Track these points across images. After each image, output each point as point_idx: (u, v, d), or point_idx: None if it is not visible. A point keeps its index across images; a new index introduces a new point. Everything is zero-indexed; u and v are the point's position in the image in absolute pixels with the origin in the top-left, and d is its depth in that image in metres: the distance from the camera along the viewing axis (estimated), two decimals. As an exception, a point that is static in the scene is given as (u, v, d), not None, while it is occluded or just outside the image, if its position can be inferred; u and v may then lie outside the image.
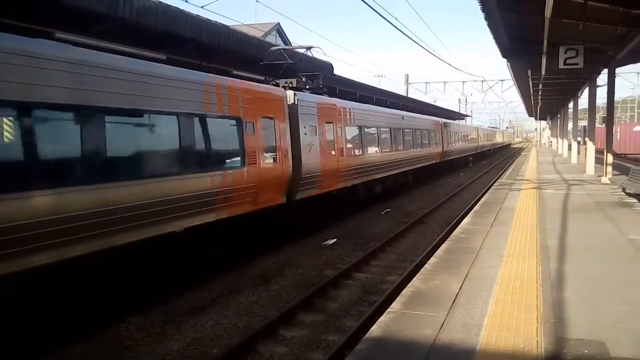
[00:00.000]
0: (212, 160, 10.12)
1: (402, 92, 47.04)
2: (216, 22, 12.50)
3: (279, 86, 13.93)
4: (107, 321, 8.15)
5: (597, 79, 25.75)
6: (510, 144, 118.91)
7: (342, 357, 6.12)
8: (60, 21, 9.29)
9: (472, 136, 48.04)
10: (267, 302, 9.31)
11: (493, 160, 56.89)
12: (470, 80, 58.38)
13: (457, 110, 67.80)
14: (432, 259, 8.93)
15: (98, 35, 9.78)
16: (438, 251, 9.59)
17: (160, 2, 10.63)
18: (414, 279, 7.73)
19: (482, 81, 50.88)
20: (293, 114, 13.20)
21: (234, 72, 13.50)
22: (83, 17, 9.50)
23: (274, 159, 12.17)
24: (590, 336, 5.42)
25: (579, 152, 33.81)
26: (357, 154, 17.56)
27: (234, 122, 10.79)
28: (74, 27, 9.45)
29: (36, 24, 8.58)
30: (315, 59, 18.41)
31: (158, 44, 11.28)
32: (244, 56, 13.94)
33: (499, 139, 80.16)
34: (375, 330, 5.75)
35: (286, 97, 13.02)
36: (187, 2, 14.30)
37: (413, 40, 32.32)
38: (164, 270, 9.56)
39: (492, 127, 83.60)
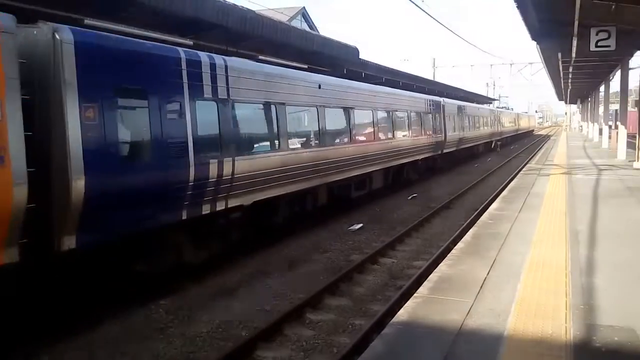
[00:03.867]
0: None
1: (429, 76, 46.40)
2: (242, 7, 12.52)
3: None
4: (139, 303, 8.31)
5: (630, 61, 25.12)
6: (532, 130, 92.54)
7: (368, 341, 6.15)
8: (89, 7, 9.38)
9: (428, 119, 23.62)
10: (295, 285, 9.40)
11: (522, 145, 56.08)
12: (498, 63, 56.92)
13: (484, 95, 66.59)
14: (459, 245, 8.89)
15: (126, 21, 9.85)
16: (465, 236, 9.54)
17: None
18: (441, 264, 7.72)
19: (511, 64, 49.95)
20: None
21: (260, 57, 13.54)
22: (111, 3, 9.59)
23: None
24: (620, 323, 5.35)
25: (610, 137, 33.13)
26: None
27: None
28: (102, 13, 9.54)
29: (64, 10, 8.68)
30: (341, 43, 18.35)
31: (185, 30, 11.36)
32: (270, 41, 13.95)
33: (508, 125, 54.12)
34: (402, 314, 5.77)
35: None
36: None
37: (440, 23, 31.86)
38: (196, 253, 9.72)
39: (501, 109, 58.43)
